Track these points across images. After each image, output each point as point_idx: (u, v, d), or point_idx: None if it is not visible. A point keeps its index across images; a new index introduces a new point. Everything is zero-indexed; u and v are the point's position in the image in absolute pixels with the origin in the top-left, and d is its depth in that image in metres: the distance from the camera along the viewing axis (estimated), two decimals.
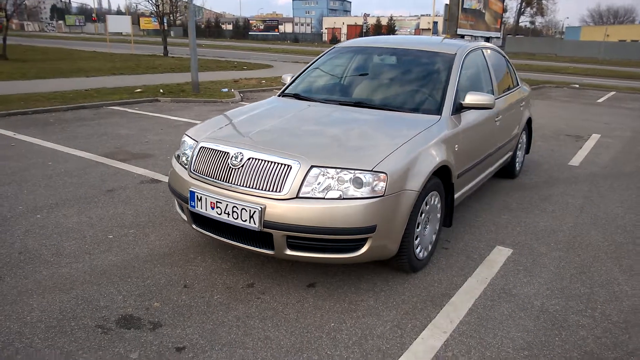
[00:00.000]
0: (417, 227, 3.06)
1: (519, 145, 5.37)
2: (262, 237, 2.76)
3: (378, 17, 58.58)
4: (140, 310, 2.69)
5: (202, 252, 3.41)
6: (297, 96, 3.99)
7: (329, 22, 74.81)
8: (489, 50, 4.65)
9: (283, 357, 2.34)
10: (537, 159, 6.51)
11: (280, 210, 2.66)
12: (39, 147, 6.22)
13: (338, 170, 2.71)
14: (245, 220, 2.73)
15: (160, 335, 2.48)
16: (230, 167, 2.87)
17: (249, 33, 69.61)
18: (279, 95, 4.12)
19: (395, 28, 56.70)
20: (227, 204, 2.78)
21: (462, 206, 4.51)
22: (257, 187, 2.75)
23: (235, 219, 2.77)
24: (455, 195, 3.64)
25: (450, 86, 3.65)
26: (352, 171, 2.71)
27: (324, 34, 72.41)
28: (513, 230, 4.02)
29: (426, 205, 3.11)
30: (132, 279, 3.02)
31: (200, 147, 3.09)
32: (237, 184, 2.81)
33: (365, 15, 34.68)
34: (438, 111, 3.50)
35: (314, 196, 2.67)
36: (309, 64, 4.46)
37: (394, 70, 4.08)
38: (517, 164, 5.41)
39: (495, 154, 4.38)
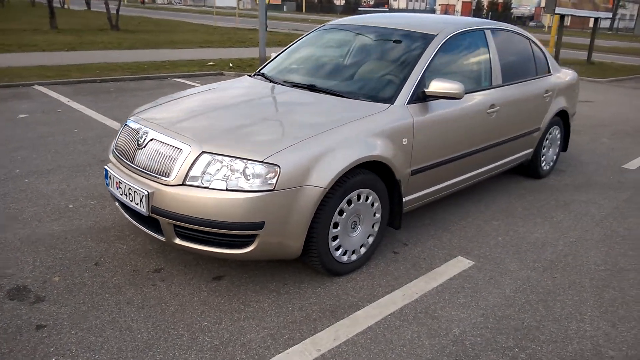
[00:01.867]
0: (335, 227, 2.74)
1: (546, 141, 4.63)
2: (154, 222, 2.65)
3: None
4: (37, 283, 2.73)
5: (139, 230, 3.39)
6: (263, 76, 3.77)
7: None
8: (500, 32, 4.00)
9: (127, 351, 2.23)
10: (587, 157, 5.60)
11: (166, 196, 2.52)
12: (80, 114, 6.65)
13: (231, 158, 2.49)
14: (137, 203, 2.64)
15: (34, 310, 2.49)
16: (136, 146, 2.78)
17: (359, 9, 68.86)
18: (253, 75, 3.91)
19: (513, 6, 52.32)
20: (125, 185, 2.71)
21: (449, 206, 4.00)
22: (151, 170, 2.63)
23: (131, 201, 2.69)
24: (414, 195, 3.23)
25: (414, 72, 3.18)
26: (244, 161, 2.47)
27: (436, 11, 69.27)
28: (493, 240, 3.48)
29: (349, 204, 2.77)
30: (56, 250, 3.08)
31: (125, 125, 3.04)
32: (137, 165, 2.71)
33: None
34: (390, 99, 3.07)
35: (200, 185, 2.48)
36: (293, 42, 4.18)
37: (364, 52, 3.66)
38: (542, 162, 4.68)
39: (491, 150, 3.79)
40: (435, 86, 3.09)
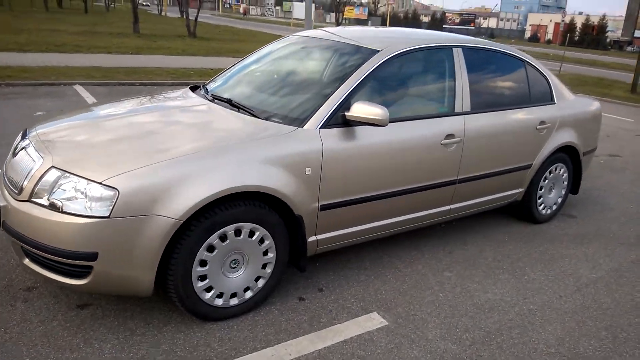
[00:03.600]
0: (203, 265, 2.38)
1: (545, 181, 3.92)
2: None
3: (588, 15, 50.81)
4: None
5: None
6: (204, 87, 3.49)
7: (534, 18, 67.40)
8: (478, 52, 3.41)
9: None
10: (615, 202, 4.73)
11: (13, 212, 2.30)
12: None
13: (77, 177, 2.22)
14: None
15: None
16: (11, 156, 2.61)
17: (443, 26, 67.00)
18: (201, 87, 3.63)
19: (609, 29, 48.32)
20: None
21: (403, 247, 3.46)
22: (11, 182, 2.42)
23: None
24: (328, 234, 2.79)
25: (338, 91, 2.73)
26: (87, 181, 2.19)
27: (527, 31, 65.89)
28: (431, 296, 2.91)
29: (224, 239, 2.39)
30: None
31: (21, 132, 2.89)
32: (6, 176, 2.53)
33: (564, 13, 29.81)
34: (301, 121, 2.65)
35: (43, 203, 2.23)
36: (251, 53, 3.87)
37: (302, 67, 3.28)
38: (539, 205, 3.97)
39: (449, 187, 3.21)
40: (356, 110, 2.64)
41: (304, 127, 2.62)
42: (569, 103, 4.00)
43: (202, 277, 2.40)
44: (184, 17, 37.79)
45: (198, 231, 2.29)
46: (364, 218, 2.91)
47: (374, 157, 2.81)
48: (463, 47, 3.32)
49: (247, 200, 2.41)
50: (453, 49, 3.26)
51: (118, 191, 2.14)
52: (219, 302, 2.49)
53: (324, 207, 2.67)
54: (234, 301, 2.54)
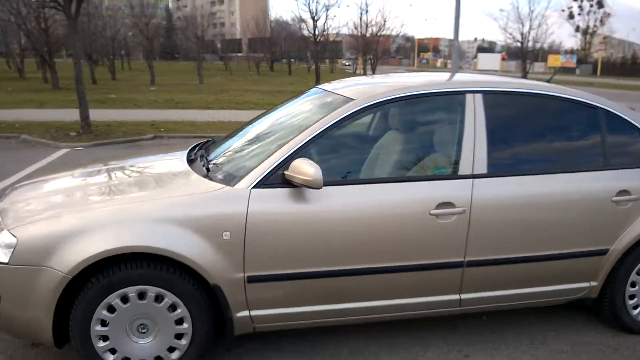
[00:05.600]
0: (104, 326, 2.24)
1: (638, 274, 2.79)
2: None
3: None
4: None
5: None
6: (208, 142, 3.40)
7: None
8: (514, 98, 2.67)
9: None
10: None
11: None
12: None
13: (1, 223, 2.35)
14: None
15: None
16: None
17: None
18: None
19: None
20: None
21: (401, 338, 2.78)
22: None
23: None
24: (268, 311, 2.41)
25: (285, 147, 2.39)
26: (2, 227, 2.30)
27: None
28: None
29: (125, 301, 2.23)
30: None
31: None
32: None
33: None
34: (235, 179, 2.36)
35: None
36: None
37: (285, 120, 2.96)
38: (631, 307, 2.83)
39: (449, 272, 2.48)
40: (292, 168, 2.27)
41: (236, 185, 2.34)
42: None
43: (104, 338, 2.27)
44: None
45: (95, 289, 2.19)
46: (320, 298, 2.43)
47: (327, 226, 2.35)
48: (484, 92, 2.62)
49: (152, 262, 2.22)
50: (466, 94, 2.60)
51: (17, 239, 2.18)
52: None
53: (253, 279, 2.31)
54: None
